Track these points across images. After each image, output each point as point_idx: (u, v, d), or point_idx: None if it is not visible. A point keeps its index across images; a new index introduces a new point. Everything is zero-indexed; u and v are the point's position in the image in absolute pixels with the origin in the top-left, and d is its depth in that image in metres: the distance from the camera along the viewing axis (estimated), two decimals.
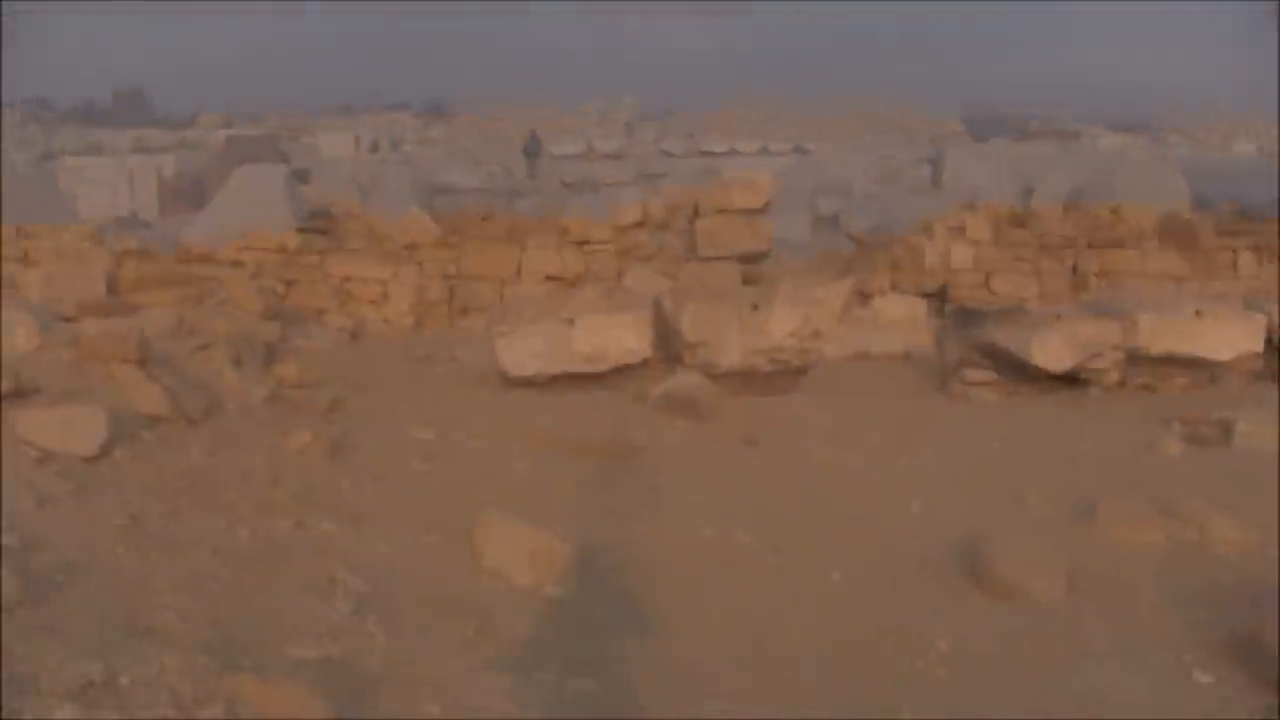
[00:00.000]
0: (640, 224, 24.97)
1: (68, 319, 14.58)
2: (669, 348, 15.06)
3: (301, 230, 23.62)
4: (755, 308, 14.61)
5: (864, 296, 25.01)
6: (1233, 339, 15.10)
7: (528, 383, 14.31)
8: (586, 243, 23.82)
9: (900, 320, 23.88)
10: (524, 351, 14.28)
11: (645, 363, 14.57)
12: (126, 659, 5.45)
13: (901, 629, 7.71)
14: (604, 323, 14.32)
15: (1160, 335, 14.94)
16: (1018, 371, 15.02)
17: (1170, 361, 15.03)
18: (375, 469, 10.28)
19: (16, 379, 8.98)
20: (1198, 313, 14.96)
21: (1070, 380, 14.96)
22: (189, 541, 7.58)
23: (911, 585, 8.56)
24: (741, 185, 24.68)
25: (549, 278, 22.84)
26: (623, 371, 14.49)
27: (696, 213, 25.20)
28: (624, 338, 14.38)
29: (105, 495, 8.08)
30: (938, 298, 25.09)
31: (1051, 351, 14.77)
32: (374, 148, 64.76)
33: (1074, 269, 24.61)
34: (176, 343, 12.57)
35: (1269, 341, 15.15)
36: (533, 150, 54.91)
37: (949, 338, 15.92)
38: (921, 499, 10.28)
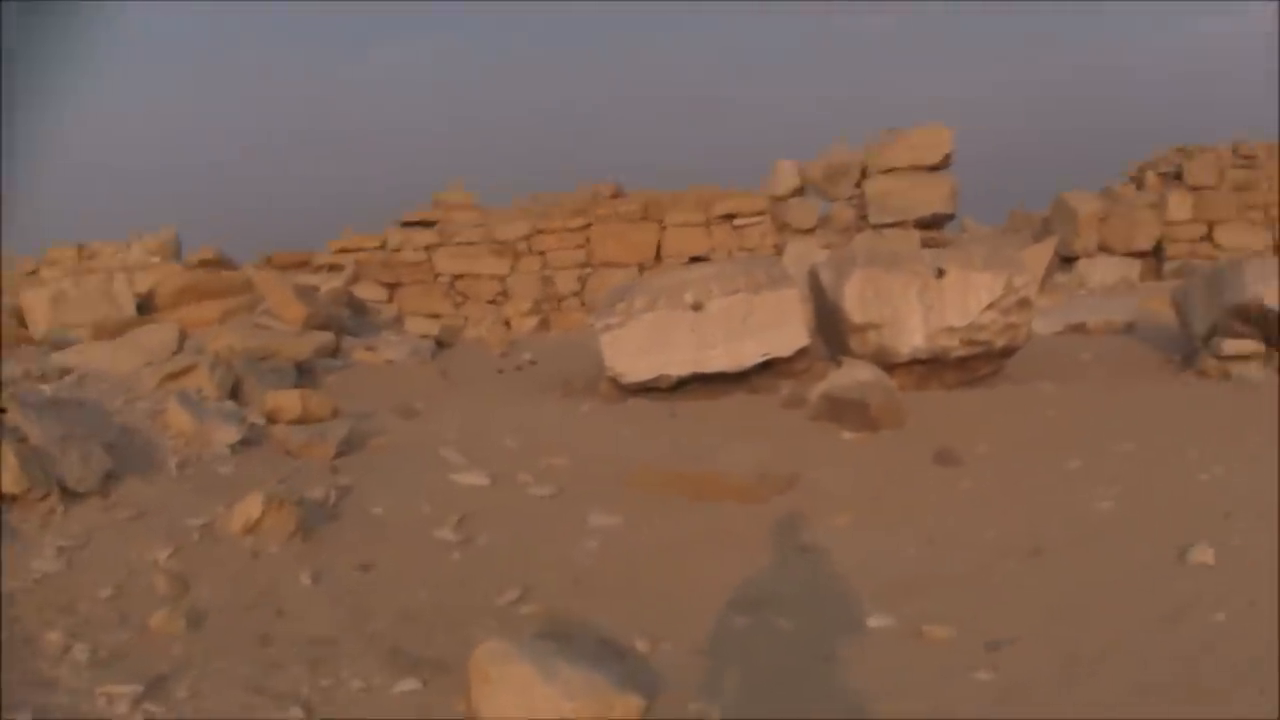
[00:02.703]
0: (799, 191, 20.90)
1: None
2: (831, 333, 10.98)
3: (406, 224, 20.03)
4: (942, 273, 10.43)
5: (1065, 260, 20.59)
6: None
7: (648, 389, 10.37)
8: (736, 216, 19.78)
9: (1112, 285, 19.43)
10: (638, 349, 10.33)
11: (801, 355, 10.53)
12: None
13: None
14: (742, 305, 10.28)
15: None
16: None
17: None
18: (364, 553, 6.35)
19: None
20: None
21: None
22: None
23: None
24: (917, 139, 20.48)
25: (694, 259, 18.86)
26: (770, 369, 10.46)
27: (864, 174, 21.11)
28: (770, 323, 10.36)
29: None
30: (1153, 256, 20.55)
31: None
32: None
33: None
34: (148, 371, 8.94)
35: None
36: None
37: (1193, 301, 11.54)
38: (1223, 550, 6.01)
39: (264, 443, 7.90)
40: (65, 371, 9.24)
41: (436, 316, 18.65)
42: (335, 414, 8.55)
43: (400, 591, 5.90)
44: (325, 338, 11.58)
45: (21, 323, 13.46)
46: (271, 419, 8.36)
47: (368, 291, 19.15)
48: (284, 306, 11.92)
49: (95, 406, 7.58)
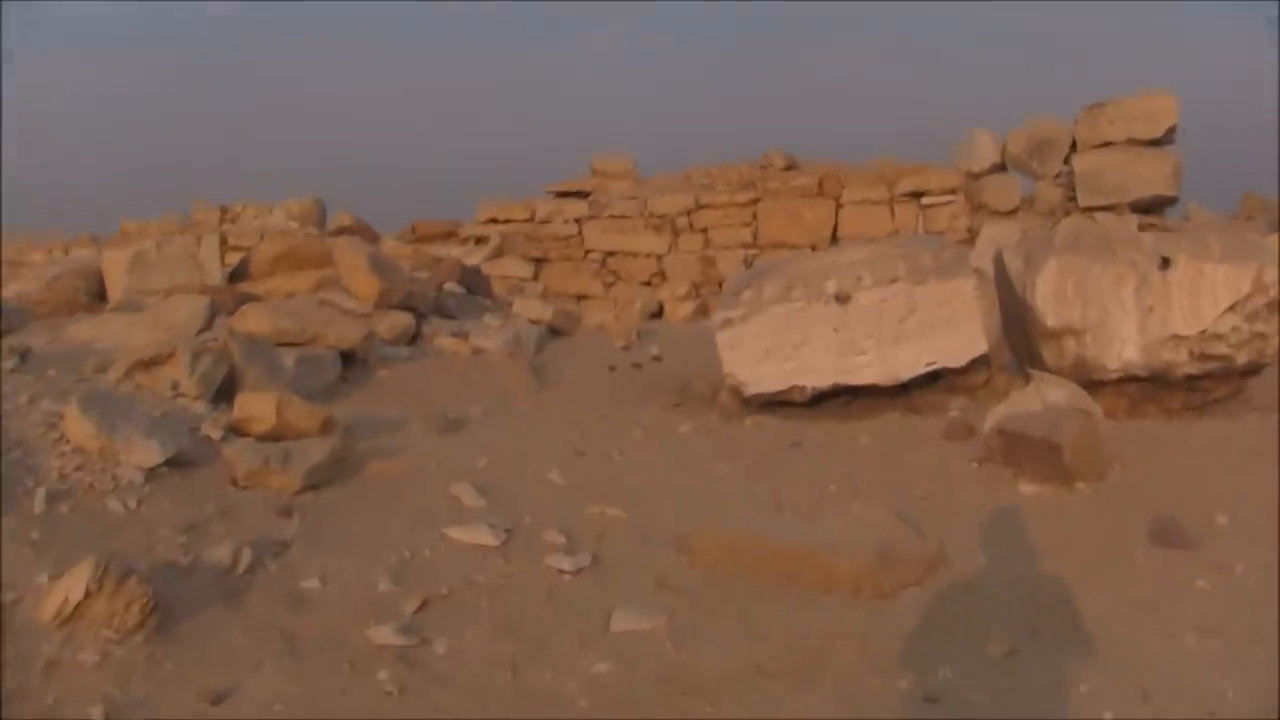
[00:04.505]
0: (998, 167, 17.97)
1: None
2: (1019, 338, 8.27)
3: (560, 194, 17.71)
4: (1167, 264, 7.63)
5: None
6: None
7: (776, 404, 7.85)
8: (924, 193, 16.97)
9: None
10: (763, 352, 7.79)
11: (977, 364, 7.88)
12: None
13: None
14: (902, 298, 7.66)
15: None
16: None
17: None
18: (235, 669, 3.96)
19: None
20: None
21: None
22: None
23: None
24: (1135, 107, 17.36)
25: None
26: (938, 380, 7.85)
27: (1074, 148, 18.06)
28: (937, 324, 7.73)
29: None
30: None
31: None
32: None
33: None
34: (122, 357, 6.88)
35: None
36: None
37: None
38: None
39: (208, 465, 5.62)
40: (24, 352, 7.16)
41: (584, 298, 16.40)
42: (326, 427, 6.17)
43: None
44: (398, 319, 9.33)
45: (100, 287, 11.62)
46: (238, 430, 6.08)
47: (511, 267, 16.95)
48: (355, 279, 9.71)
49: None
